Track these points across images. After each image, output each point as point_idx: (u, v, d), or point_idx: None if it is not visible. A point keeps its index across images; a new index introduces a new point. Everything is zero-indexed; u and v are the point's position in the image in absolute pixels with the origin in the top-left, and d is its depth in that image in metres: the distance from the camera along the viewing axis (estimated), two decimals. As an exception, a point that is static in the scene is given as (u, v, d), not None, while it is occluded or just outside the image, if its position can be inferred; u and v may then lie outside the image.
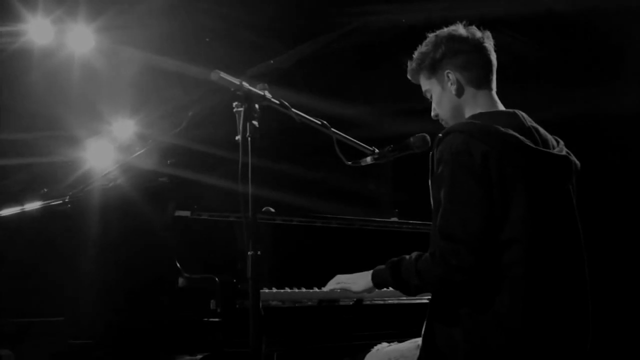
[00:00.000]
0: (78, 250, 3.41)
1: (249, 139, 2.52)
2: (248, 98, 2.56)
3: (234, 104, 2.59)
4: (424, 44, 2.81)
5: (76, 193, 3.68)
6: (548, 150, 2.63)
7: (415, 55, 2.83)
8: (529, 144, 2.55)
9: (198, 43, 5.49)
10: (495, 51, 2.80)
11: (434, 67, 2.77)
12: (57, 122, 5.50)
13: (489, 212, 2.44)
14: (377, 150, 3.14)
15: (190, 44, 5.45)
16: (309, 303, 3.32)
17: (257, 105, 2.58)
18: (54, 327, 3.47)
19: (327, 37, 4.19)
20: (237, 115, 2.58)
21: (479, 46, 2.75)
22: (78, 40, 5.52)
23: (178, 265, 3.10)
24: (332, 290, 3.03)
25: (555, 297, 2.51)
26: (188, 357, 3.09)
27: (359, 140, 3.18)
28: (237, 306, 2.97)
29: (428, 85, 2.82)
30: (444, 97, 2.78)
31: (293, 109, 2.80)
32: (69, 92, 5.59)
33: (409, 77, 2.88)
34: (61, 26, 5.44)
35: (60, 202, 3.69)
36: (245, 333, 2.47)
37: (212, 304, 2.91)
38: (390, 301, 3.63)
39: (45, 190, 4.26)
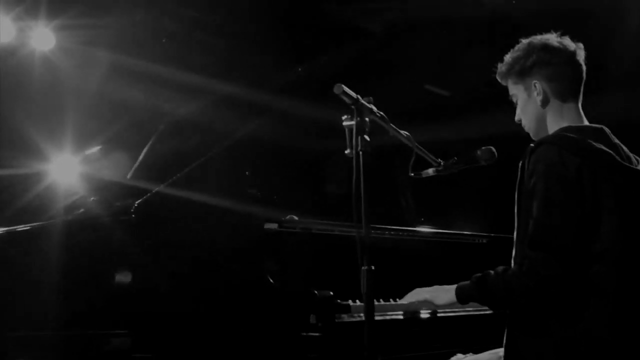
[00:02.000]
0: (156, 264, 3.39)
1: (361, 152, 2.51)
2: (360, 112, 2.54)
3: (344, 117, 2.57)
4: (516, 48, 2.80)
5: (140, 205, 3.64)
6: (637, 168, 2.64)
7: (506, 58, 2.81)
8: (620, 160, 2.56)
9: (156, 44, 5.45)
10: (585, 64, 2.77)
11: (522, 74, 2.75)
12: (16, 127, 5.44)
13: (581, 225, 2.44)
14: (442, 162, 3.09)
15: (149, 45, 5.39)
16: (395, 316, 3.29)
17: (367, 119, 2.56)
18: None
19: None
20: (346, 129, 2.56)
21: (570, 59, 2.73)
22: (39, 39, 5.43)
23: (270, 280, 3.07)
24: (411, 303, 3.02)
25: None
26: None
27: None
28: (336, 320, 2.94)
29: (515, 90, 2.81)
30: (529, 105, 2.77)
31: (391, 124, 2.78)
32: (29, 93, 5.54)
33: (497, 78, 2.86)
34: (22, 24, 5.37)
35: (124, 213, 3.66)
36: (343, 347, 2.44)
37: (312, 319, 2.87)
38: (460, 313, 3.64)
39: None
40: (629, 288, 2.47)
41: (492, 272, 2.59)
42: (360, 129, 2.53)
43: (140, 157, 4.09)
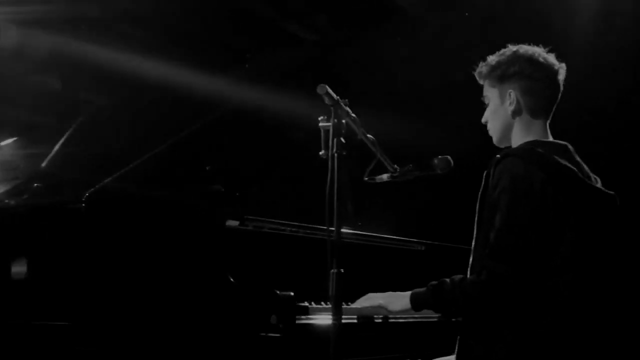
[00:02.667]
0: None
1: (336, 155, 2.50)
2: (337, 114, 2.53)
3: (320, 118, 2.57)
4: (501, 52, 2.83)
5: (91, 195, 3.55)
6: (598, 187, 2.70)
7: (489, 60, 2.84)
8: (583, 177, 2.62)
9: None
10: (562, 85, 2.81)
11: (501, 80, 2.79)
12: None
13: (542, 239, 2.49)
14: (398, 168, 3.08)
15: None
16: (350, 319, 3.27)
17: (344, 121, 2.56)
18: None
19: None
20: (322, 130, 2.56)
21: (551, 78, 2.77)
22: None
23: (231, 279, 3.01)
24: (365, 308, 3.01)
25: (595, 322, 2.56)
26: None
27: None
28: (297, 322, 2.91)
29: (489, 92, 2.85)
30: (499, 111, 2.81)
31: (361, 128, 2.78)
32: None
33: (475, 75, 2.89)
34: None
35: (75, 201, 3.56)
36: (301, 349, 2.42)
37: (273, 319, 2.83)
38: (411, 320, 3.60)
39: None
40: (584, 301, 2.54)
41: (448, 280, 2.62)
42: (337, 131, 2.52)
43: (57, 147, 4.02)
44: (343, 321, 3.21)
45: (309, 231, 3.51)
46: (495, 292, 2.48)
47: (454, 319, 3.32)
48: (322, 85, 2.45)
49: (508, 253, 2.47)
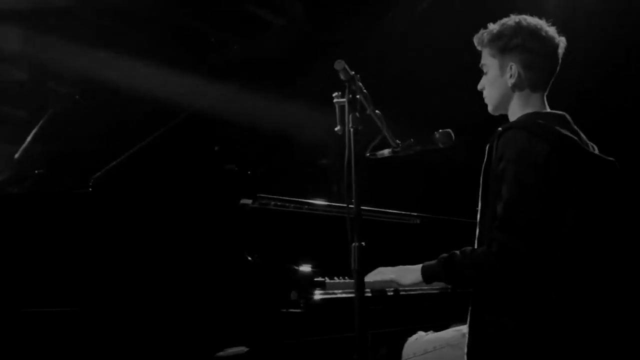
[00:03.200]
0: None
1: (352, 130, 2.53)
2: (352, 90, 2.55)
3: (335, 94, 2.58)
4: (503, 22, 2.82)
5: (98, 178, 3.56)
6: (602, 155, 2.73)
7: (491, 27, 2.84)
8: (584, 146, 2.66)
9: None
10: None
11: (502, 51, 2.79)
12: None
13: (549, 209, 2.52)
14: (399, 143, 3.06)
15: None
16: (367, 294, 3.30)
17: (358, 97, 2.58)
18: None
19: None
20: (337, 106, 2.58)
21: (552, 52, 2.78)
22: None
23: (248, 257, 3.04)
24: (377, 282, 3.05)
25: (605, 290, 2.61)
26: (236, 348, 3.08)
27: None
28: (315, 297, 2.95)
29: (489, 61, 2.85)
30: (498, 82, 2.82)
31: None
32: None
33: (474, 41, 2.89)
34: None
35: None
36: (322, 323, 2.45)
37: (294, 295, 2.86)
38: (420, 292, 3.63)
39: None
40: (591, 269, 2.58)
41: (458, 252, 2.66)
42: (353, 106, 2.55)
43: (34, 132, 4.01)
44: (341, 296, 3.29)
45: (321, 208, 3.53)
46: (507, 263, 2.51)
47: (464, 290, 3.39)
48: (339, 60, 2.47)
49: (517, 224, 2.50)
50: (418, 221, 4.40)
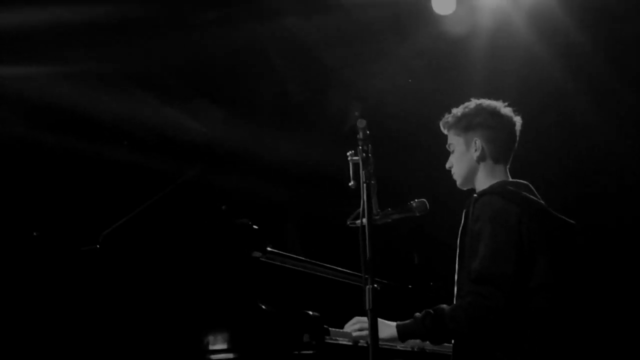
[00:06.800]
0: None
1: (365, 185, 2.77)
2: (365, 149, 2.79)
3: (349, 152, 2.82)
4: (466, 105, 3.11)
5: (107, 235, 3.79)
6: (564, 217, 3.01)
7: (455, 112, 3.11)
8: (551, 210, 2.96)
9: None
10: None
11: (466, 129, 3.07)
12: None
13: (520, 263, 2.77)
14: (379, 212, 2.99)
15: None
16: (343, 341, 3.40)
17: (370, 155, 2.80)
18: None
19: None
20: (351, 163, 2.81)
21: (511, 129, 3.09)
22: None
23: (262, 306, 3.26)
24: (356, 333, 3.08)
25: (575, 338, 2.86)
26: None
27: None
28: (326, 341, 3.17)
29: (454, 141, 3.11)
30: (464, 157, 3.09)
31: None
32: None
33: (440, 125, 3.15)
34: None
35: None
36: None
37: (306, 337, 3.06)
38: (399, 347, 3.76)
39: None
40: (561, 318, 2.82)
41: (431, 311, 2.83)
42: (366, 164, 2.78)
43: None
44: (341, 342, 3.45)
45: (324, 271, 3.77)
46: (483, 313, 2.71)
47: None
48: (361, 119, 2.74)
49: (493, 277, 2.72)
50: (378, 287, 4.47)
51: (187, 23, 5.05)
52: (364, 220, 2.74)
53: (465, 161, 3.08)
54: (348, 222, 3.06)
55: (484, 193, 2.91)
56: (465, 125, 3.07)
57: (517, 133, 3.10)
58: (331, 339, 3.26)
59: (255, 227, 3.51)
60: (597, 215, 5.54)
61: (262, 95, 5.53)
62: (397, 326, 2.92)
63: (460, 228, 2.97)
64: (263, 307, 3.25)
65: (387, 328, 2.93)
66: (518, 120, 3.11)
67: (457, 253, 2.97)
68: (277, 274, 3.69)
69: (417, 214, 3.05)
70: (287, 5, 5.17)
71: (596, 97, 5.64)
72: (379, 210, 3.00)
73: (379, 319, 2.85)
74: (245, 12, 5.16)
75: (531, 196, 2.92)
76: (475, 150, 3.04)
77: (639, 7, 5.09)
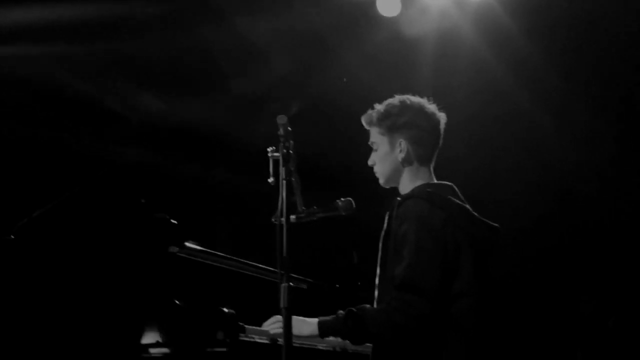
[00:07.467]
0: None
1: (284, 182, 2.74)
2: (286, 146, 2.76)
3: (269, 149, 2.78)
4: (390, 102, 3.02)
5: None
6: (488, 221, 3.00)
7: (379, 108, 3.03)
8: (475, 214, 2.94)
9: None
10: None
11: (391, 130, 2.99)
12: None
13: (445, 269, 2.76)
14: (304, 209, 2.98)
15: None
16: (261, 340, 3.37)
17: (292, 152, 2.77)
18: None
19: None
20: (271, 159, 2.77)
21: (436, 127, 3.03)
22: None
23: (176, 301, 3.21)
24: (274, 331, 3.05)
25: (491, 344, 2.86)
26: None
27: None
28: (240, 338, 3.13)
29: (378, 139, 3.03)
30: (389, 158, 3.01)
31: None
32: None
33: (362, 120, 3.08)
34: None
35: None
36: None
37: (220, 335, 3.02)
38: (320, 347, 3.77)
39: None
40: (482, 324, 2.81)
41: (355, 309, 2.79)
42: (286, 160, 2.75)
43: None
44: (258, 340, 3.40)
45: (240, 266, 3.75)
46: (406, 320, 2.68)
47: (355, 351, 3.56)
48: (282, 115, 2.70)
49: (418, 285, 2.70)
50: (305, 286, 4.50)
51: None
52: (282, 217, 2.71)
53: (389, 162, 3.02)
54: (272, 219, 2.99)
55: (408, 197, 2.87)
56: (390, 125, 3.00)
57: (442, 131, 3.05)
58: (247, 337, 3.22)
59: (173, 221, 3.46)
60: (542, 210, 5.70)
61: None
62: (319, 322, 2.88)
63: (383, 231, 2.94)
64: (178, 303, 3.18)
65: (308, 325, 2.90)
66: (443, 117, 3.05)
67: (379, 256, 2.94)
68: (197, 270, 3.64)
69: (343, 213, 3.02)
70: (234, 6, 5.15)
71: (541, 95, 5.78)
72: (303, 208, 2.98)
73: (300, 317, 2.90)
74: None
75: (456, 199, 2.90)
76: (400, 151, 2.98)
77: (580, 8, 5.22)
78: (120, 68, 5.30)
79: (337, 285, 4.72)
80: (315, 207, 2.98)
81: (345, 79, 5.67)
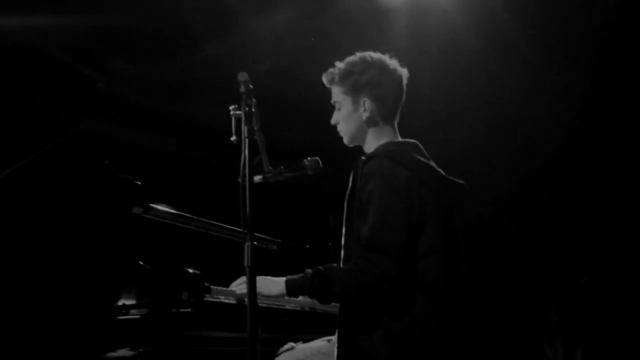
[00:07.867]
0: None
1: (248, 139, 2.69)
2: (248, 104, 2.72)
3: (232, 107, 2.74)
4: (351, 60, 2.98)
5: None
6: (453, 178, 2.99)
7: (340, 66, 2.99)
8: (440, 171, 2.92)
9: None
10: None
11: (354, 88, 2.96)
12: None
13: (410, 228, 2.74)
14: (271, 169, 2.95)
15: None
16: (227, 300, 3.39)
17: (254, 109, 2.73)
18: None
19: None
20: (234, 117, 2.74)
21: (399, 83, 2.99)
22: None
23: (140, 262, 3.19)
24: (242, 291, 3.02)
25: (459, 300, 2.85)
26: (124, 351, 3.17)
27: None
28: (205, 299, 3.12)
29: (341, 98, 2.99)
30: (352, 117, 2.98)
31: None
32: None
33: (324, 79, 3.03)
34: None
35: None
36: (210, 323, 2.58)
37: (185, 295, 3.00)
38: (289, 307, 3.81)
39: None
40: (450, 281, 2.80)
41: (322, 268, 2.78)
42: (249, 118, 2.71)
43: None
44: (224, 300, 3.38)
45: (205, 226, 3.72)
46: (373, 280, 2.66)
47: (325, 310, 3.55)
48: (242, 72, 2.62)
49: (384, 245, 2.68)
50: (275, 247, 4.52)
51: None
52: (245, 176, 2.68)
53: (353, 121, 2.99)
54: (239, 179, 2.93)
55: (372, 156, 2.84)
56: (353, 83, 2.95)
57: (405, 87, 3.01)
58: (212, 298, 3.21)
59: (136, 182, 3.41)
60: (512, 171, 5.74)
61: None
62: (286, 281, 2.87)
63: (348, 191, 2.91)
64: (142, 264, 3.16)
65: (276, 285, 2.89)
66: (405, 72, 3.01)
67: (345, 216, 2.91)
68: (163, 231, 3.61)
69: (310, 173, 2.99)
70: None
71: (514, 65, 5.75)
72: (270, 168, 2.95)
73: (268, 277, 2.91)
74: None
75: (420, 157, 2.87)
76: (365, 110, 2.95)
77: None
78: (89, 33, 5.18)
79: (307, 246, 4.72)
80: (282, 167, 2.96)
81: (312, 38, 5.60)
